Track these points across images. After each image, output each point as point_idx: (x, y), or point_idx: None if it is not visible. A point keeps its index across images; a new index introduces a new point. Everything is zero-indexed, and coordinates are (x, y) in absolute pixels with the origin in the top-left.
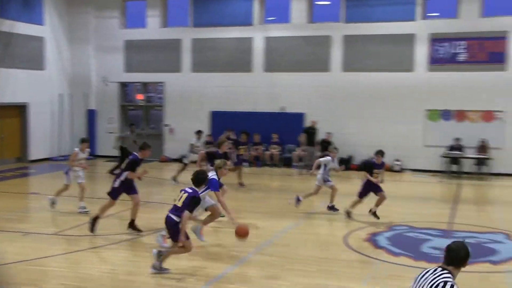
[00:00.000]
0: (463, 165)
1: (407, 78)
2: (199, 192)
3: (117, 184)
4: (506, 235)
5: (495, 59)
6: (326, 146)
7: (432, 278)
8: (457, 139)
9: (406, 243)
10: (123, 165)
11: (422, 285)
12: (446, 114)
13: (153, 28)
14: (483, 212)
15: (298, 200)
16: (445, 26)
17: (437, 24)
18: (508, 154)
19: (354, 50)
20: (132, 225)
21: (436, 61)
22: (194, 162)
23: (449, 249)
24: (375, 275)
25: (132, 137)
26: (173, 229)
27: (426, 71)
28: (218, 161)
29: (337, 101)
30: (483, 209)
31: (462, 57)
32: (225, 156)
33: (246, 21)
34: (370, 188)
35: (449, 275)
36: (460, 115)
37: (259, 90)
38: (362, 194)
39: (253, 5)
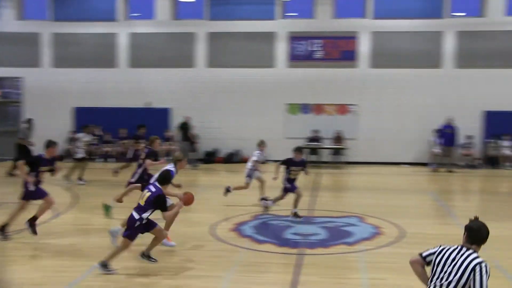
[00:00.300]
0: (321, 155)
1: (268, 74)
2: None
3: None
4: (359, 218)
5: (347, 57)
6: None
7: (462, 259)
8: (316, 131)
9: (270, 231)
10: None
11: (450, 261)
12: (305, 108)
13: (8, 20)
14: (339, 198)
15: (227, 190)
16: (302, 25)
17: (295, 23)
18: (361, 144)
19: (218, 46)
20: (32, 221)
21: (295, 58)
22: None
23: (470, 229)
24: (241, 263)
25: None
26: (133, 227)
27: (286, 67)
28: (178, 154)
29: (203, 96)
30: (340, 195)
31: (318, 55)
32: (156, 154)
33: (110, 17)
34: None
35: (476, 254)
36: (318, 108)
37: (124, 86)
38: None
39: (117, 1)
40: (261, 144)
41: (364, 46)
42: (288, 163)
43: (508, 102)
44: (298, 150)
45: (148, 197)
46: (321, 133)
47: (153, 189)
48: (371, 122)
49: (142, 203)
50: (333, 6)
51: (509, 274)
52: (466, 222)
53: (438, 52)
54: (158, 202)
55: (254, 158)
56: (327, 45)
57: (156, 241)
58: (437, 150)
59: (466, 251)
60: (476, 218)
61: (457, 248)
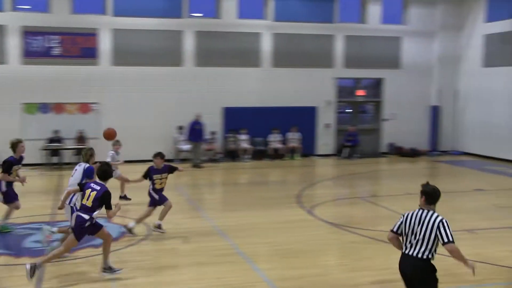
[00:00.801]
0: (63, 156)
1: (0, 71)
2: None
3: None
4: (105, 218)
5: (88, 54)
6: None
7: (427, 220)
8: (56, 131)
9: (7, 242)
10: None
11: (422, 226)
12: (44, 107)
13: None
14: None
15: None
16: (37, 19)
17: (28, 16)
18: (104, 143)
19: None
20: None
21: (30, 54)
22: None
23: (426, 193)
24: None
25: None
26: (80, 227)
27: (20, 64)
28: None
29: None
30: None
31: (56, 51)
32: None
33: None
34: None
35: (436, 213)
36: (58, 107)
37: None
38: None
39: None
40: (116, 144)
41: (104, 44)
42: (149, 173)
43: (243, 99)
44: (159, 155)
45: (95, 197)
46: (62, 133)
47: (98, 187)
48: (115, 121)
49: (89, 203)
50: (70, 1)
51: (249, 259)
52: (213, 214)
53: (179, 51)
54: (107, 199)
55: (108, 158)
56: (66, 41)
57: (106, 245)
58: (183, 146)
59: (428, 212)
60: (428, 183)
61: (419, 211)
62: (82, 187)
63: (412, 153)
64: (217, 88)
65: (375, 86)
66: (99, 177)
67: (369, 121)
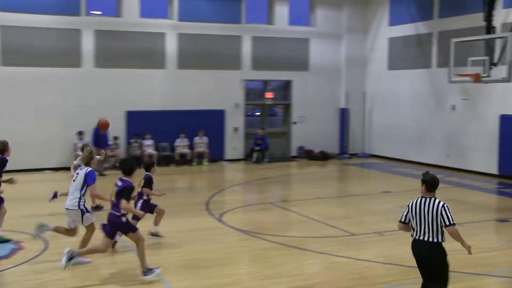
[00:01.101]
0: None
1: None
2: None
3: None
4: None
5: None
6: None
7: (431, 206)
8: None
9: None
10: None
11: (427, 213)
12: None
13: None
14: None
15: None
16: None
17: None
18: None
19: None
20: None
21: None
22: None
23: (427, 182)
24: None
25: None
26: (113, 224)
27: None
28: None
29: None
30: None
31: None
32: None
33: None
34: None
35: (438, 199)
36: None
37: None
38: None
39: None
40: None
41: None
42: (150, 182)
43: (147, 102)
44: (152, 165)
45: (117, 191)
46: None
47: (120, 183)
48: (10, 126)
49: (113, 199)
50: None
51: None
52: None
53: (77, 51)
54: (127, 192)
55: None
56: None
57: (140, 249)
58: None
59: (430, 199)
60: (427, 172)
61: (421, 199)
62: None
63: (322, 156)
64: (119, 91)
65: (284, 88)
66: (123, 173)
67: (278, 124)
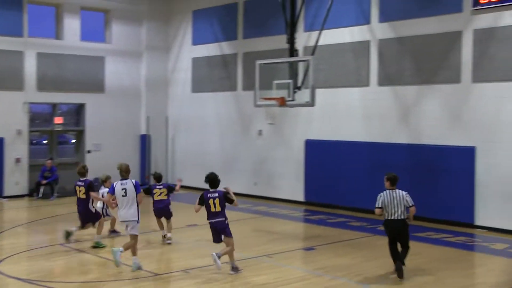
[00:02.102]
0: None
1: None
2: None
3: None
4: None
5: None
6: None
7: (399, 195)
8: None
9: None
10: None
11: (396, 199)
12: None
13: None
14: None
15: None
16: None
17: None
18: None
19: None
20: None
21: None
22: None
23: (390, 178)
24: None
25: None
26: (225, 228)
27: None
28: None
29: None
30: None
31: None
32: None
33: None
34: None
35: (399, 190)
36: None
37: None
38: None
39: None
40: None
41: None
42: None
43: None
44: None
45: (220, 201)
46: None
47: (216, 194)
48: None
49: (218, 209)
50: None
51: None
52: None
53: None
54: (226, 198)
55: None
56: None
57: (231, 251)
58: None
59: (395, 191)
60: (389, 172)
61: (389, 191)
62: (202, 198)
63: None
64: None
65: (76, 112)
66: (210, 186)
67: (70, 153)
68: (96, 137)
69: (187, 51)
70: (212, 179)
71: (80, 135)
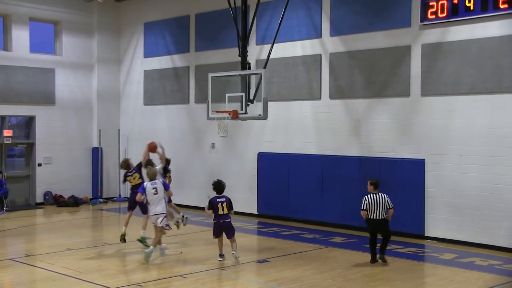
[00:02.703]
0: None
1: None
2: None
3: None
4: None
5: None
6: None
7: (381, 197)
8: None
9: None
10: None
11: (378, 201)
12: None
13: None
14: None
15: None
16: None
17: None
18: None
19: None
20: None
21: None
22: None
23: (372, 183)
24: None
25: None
26: (232, 227)
27: None
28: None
29: None
30: None
31: None
32: None
33: None
34: None
35: (382, 193)
36: None
37: None
38: None
39: None
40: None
41: None
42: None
43: None
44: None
45: (227, 205)
46: None
47: (223, 199)
48: None
49: (225, 211)
50: None
51: None
52: None
53: None
54: (231, 203)
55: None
56: None
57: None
58: None
59: (378, 194)
60: (373, 177)
61: (373, 195)
62: (212, 203)
63: (73, 202)
64: None
65: (26, 125)
66: (217, 192)
67: (20, 166)
68: (47, 150)
69: (139, 64)
70: (219, 187)
71: (30, 148)
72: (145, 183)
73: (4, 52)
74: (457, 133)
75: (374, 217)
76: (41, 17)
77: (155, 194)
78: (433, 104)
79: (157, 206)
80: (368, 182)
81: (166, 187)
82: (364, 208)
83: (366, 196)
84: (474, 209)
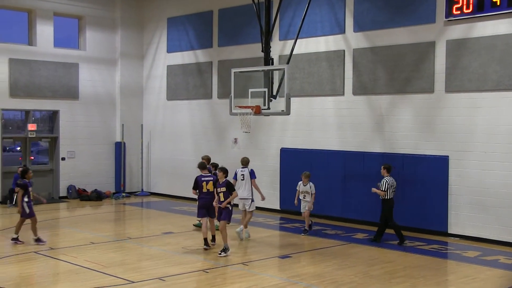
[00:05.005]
0: None
1: None
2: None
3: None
4: None
5: None
6: None
7: (394, 180)
8: None
9: None
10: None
11: (393, 184)
12: None
13: None
14: None
15: None
16: None
17: None
18: None
19: None
20: None
21: None
22: None
23: (386, 168)
24: None
25: None
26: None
27: None
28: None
29: None
30: None
31: None
32: None
33: None
34: None
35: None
36: None
37: None
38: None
39: None
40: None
41: None
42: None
43: None
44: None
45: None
46: None
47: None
48: None
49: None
50: None
51: None
52: None
53: None
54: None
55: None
56: None
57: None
58: None
59: (390, 176)
60: (385, 162)
61: (388, 177)
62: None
63: (96, 196)
64: None
65: (50, 119)
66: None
67: (44, 160)
68: (71, 145)
69: (162, 59)
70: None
71: (53, 142)
72: (237, 169)
73: (29, 47)
74: (482, 130)
75: (391, 197)
76: (65, 12)
77: (242, 180)
78: (458, 101)
79: (244, 191)
80: (382, 166)
81: (252, 175)
82: (385, 189)
83: (386, 179)
84: (499, 207)
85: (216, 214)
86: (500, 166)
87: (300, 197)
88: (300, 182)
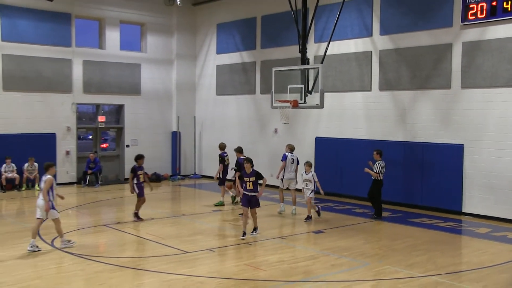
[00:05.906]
0: None
1: None
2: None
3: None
4: None
5: None
6: None
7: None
8: None
9: None
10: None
11: (385, 167)
12: None
13: None
14: None
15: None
16: None
17: None
18: None
19: None
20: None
21: None
22: None
23: (378, 152)
24: None
25: None
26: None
27: None
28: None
29: None
30: None
31: None
32: None
33: None
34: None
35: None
36: None
37: None
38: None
39: None
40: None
41: None
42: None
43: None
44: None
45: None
46: None
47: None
48: None
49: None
50: None
51: None
52: None
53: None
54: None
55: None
56: None
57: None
58: None
59: (380, 161)
60: (377, 148)
61: (381, 161)
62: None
63: (155, 178)
64: None
65: (117, 112)
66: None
67: (111, 147)
68: (134, 134)
69: (212, 59)
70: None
71: (119, 131)
72: (287, 153)
73: (99, 50)
74: (493, 122)
75: (381, 178)
76: (129, 20)
77: (291, 163)
78: (472, 96)
79: (292, 173)
80: (375, 152)
81: (297, 162)
82: (378, 172)
83: (379, 163)
84: (508, 189)
85: (240, 199)
86: (509, 153)
87: (302, 185)
88: (303, 171)
